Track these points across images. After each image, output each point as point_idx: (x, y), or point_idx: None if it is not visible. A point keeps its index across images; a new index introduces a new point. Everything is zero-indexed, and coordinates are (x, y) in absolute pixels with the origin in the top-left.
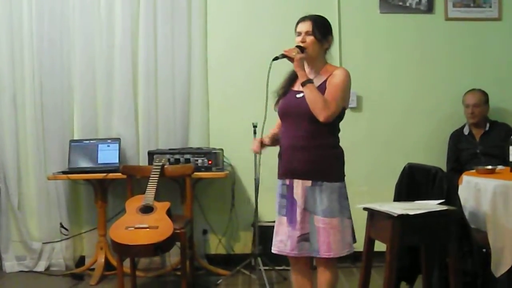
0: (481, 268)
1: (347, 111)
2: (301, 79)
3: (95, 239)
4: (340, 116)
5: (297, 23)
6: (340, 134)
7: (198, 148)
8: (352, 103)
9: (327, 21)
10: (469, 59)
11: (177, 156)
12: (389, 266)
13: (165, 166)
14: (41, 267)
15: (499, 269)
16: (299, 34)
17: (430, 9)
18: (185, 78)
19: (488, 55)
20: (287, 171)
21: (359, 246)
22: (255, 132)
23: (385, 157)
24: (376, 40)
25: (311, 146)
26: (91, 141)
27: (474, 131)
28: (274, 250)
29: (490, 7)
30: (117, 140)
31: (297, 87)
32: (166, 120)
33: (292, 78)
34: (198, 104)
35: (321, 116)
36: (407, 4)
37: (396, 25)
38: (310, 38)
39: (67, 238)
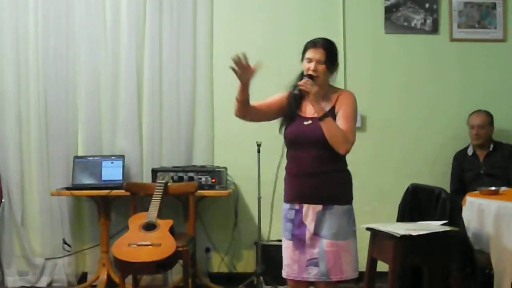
0: None
1: None
2: (318, 113)
3: (97, 255)
4: None
5: (307, 48)
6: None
7: (202, 166)
8: (357, 123)
9: (336, 47)
10: (474, 80)
11: (180, 174)
12: (391, 287)
13: (169, 184)
14: (43, 282)
15: None
16: (310, 60)
17: (435, 29)
18: (190, 96)
19: (493, 76)
20: (296, 196)
21: (362, 266)
22: (259, 151)
23: (389, 177)
24: (381, 60)
25: (322, 172)
26: (95, 158)
27: (478, 152)
28: (283, 274)
29: (495, 28)
30: (121, 157)
31: (303, 112)
32: (170, 137)
33: (296, 100)
34: (202, 122)
35: (342, 150)
36: (412, 25)
37: (401, 46)
38: (322, 67)
39: (70, 254)
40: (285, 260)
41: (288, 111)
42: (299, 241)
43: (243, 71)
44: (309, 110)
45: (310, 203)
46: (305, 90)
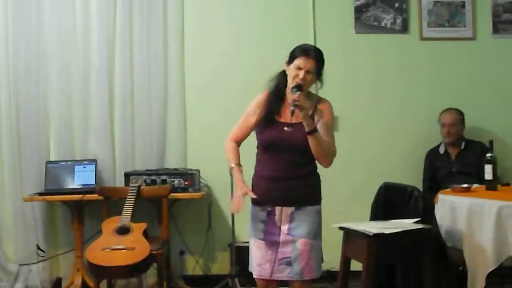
0: (458, 287)
1: None
2: (307, 127)
3: (72, 260)
4: None
5: (299, 55)
6: None
7: (175, 169)
8: None
9: (323, 56)
10: (444, 78)
11: (153, 177)
12: (365, 285)
13: (142, 187)
14: None
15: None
16: (300, 68)
17: (405, 29)
18: (162, 100)
19: (464, 74)
20: (269, 199)
21: (336, 266)
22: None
23: (362, 177)
24: (352, 60)
25: (298, 176)
26: (68, 163)
27: (449, 150)
28: (254, 274)
29: (465, 26)
30: (94, 161)
31: (284, 118)
32: (142, 141)
33: (276, 104)
34: (174, 125)
35: (325, 163)
36: (382, 24)
37: (372, 46)
38: (310, 77)
39: (44, 260)
40: (256, 260)
41: (266, 114)
42: (271, 241)
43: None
44: (289, 115)
45: (283, 205)
46: (300, 106)
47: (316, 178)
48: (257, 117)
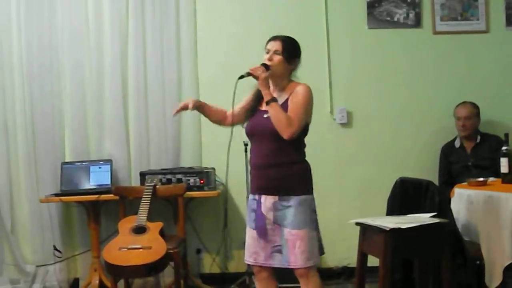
0: (475, 281)
1: (338, 127)
2: (266, 98)
3: (89, 260)
4: (304, 131)
5: (267, 42)
6: (331, 150)
7: (190, 168)
8: (343, 119)
9: (297, 43)
10: (458, 72)
11: (169, 176)
12: (382, 281)
13: (157, 186)
14: None
15: (493, 281)
16: (268, 51)
17: (418, 23)
18: (176, 97)
19: (477, 68)
20: (256, 188)
21: (353, 261)
22: (246, 151)
23: (377, 172)
24: (365, 55)
25: (277, 164)
26: (83, 163)
27: (465, 144)
28: (248, 261)
29: (478, 19)
30: (109, 161)
31: (264, 106)
32: (157, 140)
33: (259, 97)
34: (189, 124)
35: (285, 134)
36: (395, 19)
37: (385, 40)
38: (277, 58)
39: (61, 261)
40: (251, 248)
41: (250, 107)
42: (262, 230)
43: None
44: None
45: (267, 193)
46: (253, 74)
47: (301, 168)
48: (246, 100)
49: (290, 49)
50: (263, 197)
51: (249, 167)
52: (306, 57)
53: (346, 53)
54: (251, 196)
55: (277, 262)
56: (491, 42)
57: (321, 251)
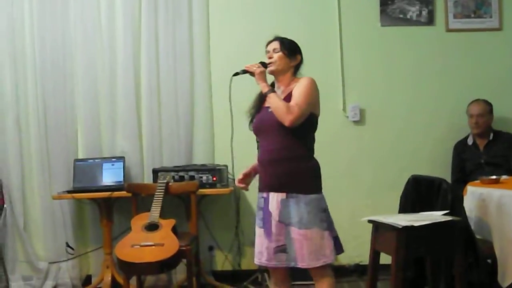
0: (488, 279)
1: (350, 124)
2: (263, 90)
3: (101, 257)
4: (311, 124)
5: (266, 45)
6: (343, 147)
7: (203, 165)
8: (355, 116)
9: (295, 42)
10: (471, 69)
11: (181, 173)
12: (395, 278)
13: (170, 184)
14: (48, 287)
15: (505, 280)
16: (268, 52)
17: (431, 21)
18: (188, 95)
19: (490, 65)
20: (264, 185)
21: (365, 259)
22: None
23: (389, 169)
24: (377, 53)
25: (284, 159)
26: (96, 160)
27: (478, 141)
28: (255, 261)
29: (491, 17)
30: (122, 158)
31: (268, 103)
32: (170, 137)
33: (263, 96)
34: (202, 121)
35: (286, 121)
36: (408, 17)
37: (397, 38)
38: (277, 54)
39: (73, 258)
40: (257, 248)
41: (255, 107)
42: (268, 229)
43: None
44: None
45: (274, 191)
46: (249, 70)
47: (309, 165)
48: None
49: (288, 46)
50: (271, 195)
51: None
52: (318, 54)
53: (358, 51)
54: (259, 194)
55: (282, 262)
56: (504, 39)
57: (339, 250)
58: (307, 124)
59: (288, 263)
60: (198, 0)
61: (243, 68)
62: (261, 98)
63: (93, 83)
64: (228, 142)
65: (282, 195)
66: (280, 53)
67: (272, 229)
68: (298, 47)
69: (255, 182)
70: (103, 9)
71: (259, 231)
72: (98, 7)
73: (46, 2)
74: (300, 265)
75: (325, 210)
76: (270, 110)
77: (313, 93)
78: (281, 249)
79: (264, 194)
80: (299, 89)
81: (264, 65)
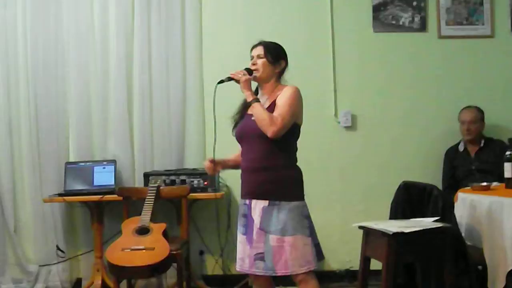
0: (478, 285)
1: (342, 130)
2: (248, 99)
3: (91, 261)
4: (293, 133)
5: (251, 49)
6: (335, 153)
7: (194, 169)
8: (347, 122)
9: (281, 46)
10: (463, 76)
11: (172, 177)
12: (385, 284)
13: (161, 188)
14: None
15: (496, 286)
16: (252, 58)
17: (423, 27)
18: (180, 99)
19: (482, 72)
20: (246, 192)
21: (356, 265)
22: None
23: (380, 176)
24: (370, 59)
25: (266, 167)
26: (87, 163)
27: (469, 148)
28: (237, 268)
29: (483, 24)
30: (113, 162)
31: (251, 110)
32: (161, 141)
33: (248, 103)
34: (193, 125)
35: (269, 132)
36: (400, 23)
37: (390, 44)
38: (261, 61)
39: (64, 261)
40: (239, 254)
41: (238, 113)
42: (250, 236)
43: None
44: None
45: (257, 198)
46: (234, 78)
47: (292, 173)
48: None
49: (273, 52)
50: (253, 202)
51: None
52: (311, 60)
53: (351, 56)
54: (241, 201)
55: (260, 269)
56: (496, 47)
57: (320, 257)
58: (289, 133)
59: (265, 272)
60: (191, 4)
61: (229, 75)
62: (246, 105)
63: (85, 87)
64: (219, 146)
65: (264, 203)
66: (264, 60)
67: (253, 236)
68: (284, 51)
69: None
70: (96, 12)
71: (241, 238)
72: (91, 11)
73: (39, 6)
74: (280, 273)
75: (308, 217)
76: (253, 118)
77: (297, 103)
78: (259, 257)
79: (247, 201)
80: (283, 99)
81: (249, 71)
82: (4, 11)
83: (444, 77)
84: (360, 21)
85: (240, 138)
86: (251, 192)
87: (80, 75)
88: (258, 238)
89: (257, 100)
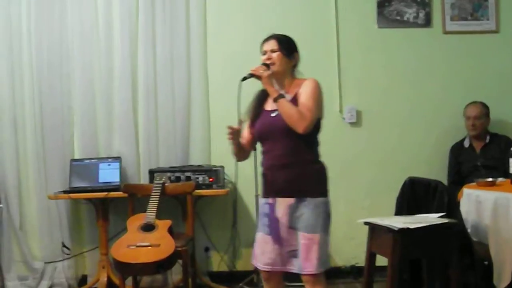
0: (483, 281)
1: (347, 126)
2: (272, 95)
3: (97, 258)
4: (316, 127)
5: (262, 44)
6: (340, 149)
7: (199, 166)
8: (352, 118)
9: (292, 39)
10: (467, 72)
11: (177, 174)
12: (390, 280)
13: (166, 184)
14: (43, 286)
15: (501, 282)
16: (265, 53)
17: (427, 23)
18: (185, 95)
19: (487, 68)
20: (270, 190)
21: (361, 261)
22: (255, 149)
23: (385, 172)
24: (374, 55)
25: (291, 163)
26: (92, 160)
27: (474, 144)
28: (263, 267)
29: (488, 19)
30: (118, 159)
31: (270, 106)
32: (166, 138)
33: (262, 98)
34: (198, 121)
35: (300, 128)
36: (405, 19)
37: (394, 40)
38: (276, 54)
39: (69, 258)
40: (266, 254)
41: (254, 111)
42: (276, 235)
43: (235, 135)
44: (273, 103)
45: (282, 196)
46: (256, 74)
47: (318, 168)
48: (248, 119)
49: (286, 45)
50: (278, 200)
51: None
52: (315, 56)
53: (355, 52)
54: (263, 200)
55: (293, 267)
56: (501, 42)
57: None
58: (313, 127)
59: (297, 270)
60: (195, 1)
61: (250, 72)
62: (260, 101)
63: (90, 84)
64: (225, 142)
65: (290, 201)
66: (279, 53)
67: (282, 234)
68: (295, 44)
69: (251, 185)
70: (101, 10)
71: (264, 238)
72: (95, 9)
73: (43, 4)
74: (306, 271)
75: (329, 216)
76: (273, 114)
77: (320, 96)
78: (294, 254)
79: (270, 200)
80: (306, 93)
81: (267, 66)
82: (8, 10)
83: (449, 73)
84: (365, 16)
85: (261, 137)
86: (277, 190)
87: (85, 73)
88: (288, 236)
89: (282, 96)
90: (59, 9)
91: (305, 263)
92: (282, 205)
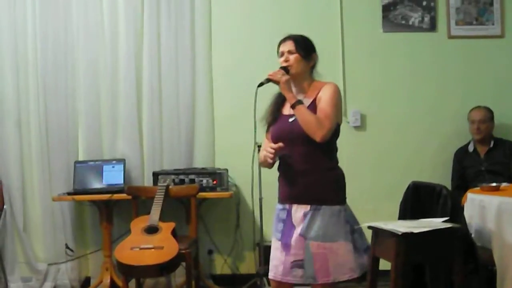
0: (487, 286)
1: (351, 130)
2: (290, 101)
3: (100, 260)
4: (335, 133)
5: (279, 45)
6: (344, 153)
7: (203, 168)
8: (356, 122)
9: (309, 39)
10: (472, 76)
11: (181, 177)
12: (394, 285)
13: (170, 187)
14: None
15: (504, 287)
16: (282, 54)
17: (433, 27)
18: (190, 98)
19: (492, 72)
20: (286, 196)
21: None
22: (259, 152)
23: (389, 176)
24: (379, 58)
25: (308, 170)
26: (96, 162)
27: (478, 149)
28: (270, 275)
29: (493, 24)
30: (122, 161)
31: (287, 111)
32: (170, 140)
33: (279, 102)
34: (203, 124)
35: (317, 136)
36: (410, 23)
37: (399, 44)
38: (293, 56)
39: (73, 259)
40: (273, 261)
41: (272, 114)
42: (286, 242)
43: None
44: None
45: (298, 203)
46: (273, 79)
47: (336, 175)
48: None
49: (304, 45)
50: (294, 207)
51: (257, 170)
52: (320, 60)
53: (360, 56)
54: (280, 206)
55: (298, 278)
56: (506, 46)
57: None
58: (332, 134)
59: (304, 280)
60: (200, 1)
61: (267, 77)
62: (278, 105)
63: (95, 85)
64: (228, 146)
65: (306, 208)
66: (297, 55)
67: (292, 242)
68: (313, 44)
69: (255, 188)
70: (105, 10)
71: (276, 244)
72: (100, 8)
73: (48, 3)
74: (324, 280)
75: (348, 222)
76: (291, 120)
77: (340, 102)
78: (298, 264)
79: (287, 206)
80: (325, 99)
81: (286, 70)
82: (14, 9)
83: (454, 77)
84: (370, 21)
85: (278, 141)
86: (293, 196)
87: (90, 73)
88: (296, 244)
89: (301, 102)
90: (63, 8)
91: (321, 272)
92: (298, 212)
